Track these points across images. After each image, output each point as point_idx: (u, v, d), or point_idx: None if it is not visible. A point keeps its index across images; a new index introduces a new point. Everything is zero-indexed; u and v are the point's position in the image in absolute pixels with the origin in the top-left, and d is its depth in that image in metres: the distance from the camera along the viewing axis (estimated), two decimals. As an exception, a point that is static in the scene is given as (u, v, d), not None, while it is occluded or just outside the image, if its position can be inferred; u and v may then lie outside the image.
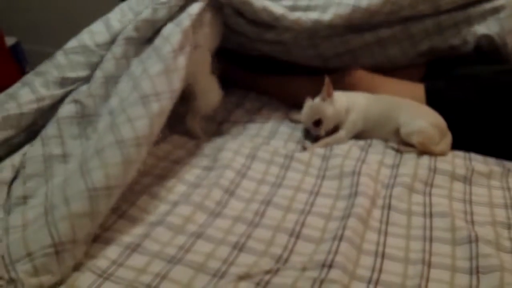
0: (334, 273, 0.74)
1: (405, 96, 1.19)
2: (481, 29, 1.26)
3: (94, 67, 1.05)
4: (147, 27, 1.04)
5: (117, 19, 1.11)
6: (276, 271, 0.77)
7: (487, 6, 1.26)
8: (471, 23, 1.27)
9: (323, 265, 0.76)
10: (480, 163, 1.08)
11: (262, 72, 1.46)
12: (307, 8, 1.21)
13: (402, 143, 1.12)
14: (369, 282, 0.76)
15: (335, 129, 1.19)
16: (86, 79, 1.05)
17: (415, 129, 1.10)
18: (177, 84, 0.99)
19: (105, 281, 0.76)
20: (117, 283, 0.76)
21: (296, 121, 1.27)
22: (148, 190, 0.98)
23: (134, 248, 0.82)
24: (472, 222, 0.90)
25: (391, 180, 1.01)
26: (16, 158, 0.98)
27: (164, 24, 1.04)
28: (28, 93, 1.03)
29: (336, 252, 0.78)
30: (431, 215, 0.91)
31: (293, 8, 1.21)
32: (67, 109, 1.01)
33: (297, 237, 0.86)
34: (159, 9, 1.04)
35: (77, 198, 0.81)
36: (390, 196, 0.96)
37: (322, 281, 0.73)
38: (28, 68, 2.25)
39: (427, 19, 1.28)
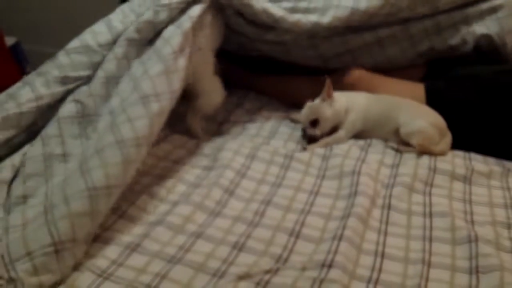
0: (334, 273, 0.74)
1: (405, 96, 1.19)
2: (480, 29, 1.26)
3: (96, 67, 1.06)
4: (149, 28, 1.05)
5: (119, 20, 1.11)
6: (276, 271, 0.77)
7: (485, 6, 1.27)
8: (470, 22, 1.27)
9: (323, 265, 0.76)
10: (480, 163, 1.08)
11: (262, 72, 1.46)
12: (306, 11, 1.22)
13: (402, 143, 1.12)
14: (369, 281, 0.76)
15: (334, 130, 1.19)
16: (88, 79, 1.05)
17: (415, 129, 1.10)
18: (177, 85, 0.99)
19: (104, 281, 0.76)
20: (117, 283, 0.76)
21: (295, 121, 1.27)
22: (148, 190, 0.98)
23: (134, 248, 0.82)
24: (472, 222, 0.90)
25: (391, 180, 1.01)
26: (16, 158, 0.98)
27: (165, 26, 1.05)
28: (28, 93, 1.03)
29: (336, 252, 0.78)
30: (431, 214, 0.91)
31: (293, 10, 1.21)
32: (67, 108, 1.01)
33: (297, 236, 0.86)
34: (160, 11, 1.04)
35: (77, 198, 0.81)
36: (390, 195, 0.96)
37: (322, 281, 0.73)
38: (28, 68, 2.25)
39: (426, 19, 1.28)
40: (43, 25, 2.39)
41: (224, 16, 1.21)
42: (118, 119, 0.91)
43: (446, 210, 0.91)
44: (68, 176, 0.86)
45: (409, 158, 1.08)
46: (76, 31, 1.12)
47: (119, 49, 1.04)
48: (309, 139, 1.18)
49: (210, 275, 0.77)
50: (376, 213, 0.92)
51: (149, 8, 1.07)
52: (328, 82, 1.14)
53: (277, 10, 1.18)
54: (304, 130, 1.21)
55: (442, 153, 1.09)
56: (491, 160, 1.09)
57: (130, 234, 0.86)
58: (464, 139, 1.13)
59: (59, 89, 1.04)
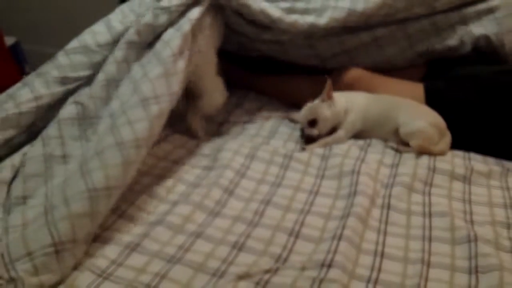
0: (334, 273, 0.74)
1: (405, 96, 1.19)
2: (478, 29, 1.26)
3: (95, 67, 1.06)
4: (148, 31, 1.05)
5: (118, 20, 1.11)
6: (276, 271, 0.77)
7: (482, 6, 1.27)
8: (467, 23, 1.28)
9: (323, 265, 0.76)
10: (479, 162, 1.08)
11: (262, 73, 1.46)
12: (304, 11, 1.23)
13: (402, 143, 1.12)
14: (368, 281, 0.76)
15: (333, 130, 1.19)
16: (87, 79, 1.06)
17: (415, 129, 1.10)
18: (176, 87, 1.00)
19: (104, 280, 0.76)
20: (116, 282, 0.76)
21: (295, 121, 1.27)
22: (147, 190, 0.98)
23: (133, 247, 0.82)
24: (472, 222, 0.90)
25: (390, 180, 1.01)
26: (16, 158, 0.98)
27: (164, 29, 1.05)
28: (27, 93, 1.03)
29: (335, 252, 0.78)
30: (430, 214, 0.91)
31: (290, 11, 1.22)
32: (68, 110, 1.02)
33: (297, 236, 0.86)
34: (159, 15, 1.05)
35: (77, 199, 0.81)
36: (390, 195, 0.96)
37: (321, 281, 0.73)
38: (27, 68, 2.25)
39: (423, 19, 1.28)
40: (43, 25, 2.39)
41: (224, 16, 1.22)
42: (118, 121, 0.91)
43: (446, 210, 0.91)
44: (68, 177, 0.86)
45: (409, 158, 1.08)
46: (76, 31, 1.13)
47: (119, 52, 1.05)
48: (307, 139, 1.18)
49: (209, 275, 0.77)
50: (376, 212, 0.92)
51: (149, 9, 1.07)
52: (329, 83, 1.14)
53: (274, 11, 1.18)
54: (302, 130, 1.21)
55: (442, 153, 1.09)
56: (491, 160, 1.09)
57: (130, 234, 0.86)
58: (464, 139, 1.13)
59: (58, 89, 1.04)
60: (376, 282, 0.76)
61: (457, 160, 1.08)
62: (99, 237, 0.85)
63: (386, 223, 0.90)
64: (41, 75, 1.06)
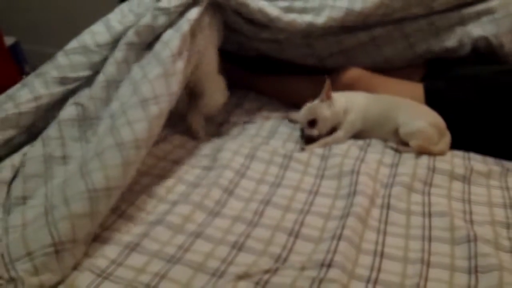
0: (333, 273, 0.74)
1: (405, 96, 1.19)
2: (477, 31, 1.26)
3: (95, 67, 1.06)
4: (148, 32, 1.05)
5: (117, 20, 1.11)
6: (275, 271, 0.77)
7: (480, 7, 1.27)
8: (465, 24, 1.28)
9: (322, 265, 0.76)
10: (479, 162, 1.08)
11: (262, 73, 1.46)
12: (302, 11, 1.23)
13: (401, 142, 1.12)
14: (368, 281, 0.76)
15: (333, 130, 1.19)
16: (87, 79, 1.06)
17: (414, 129, 1.10)
18: (175, 88, 1.00)
19: (104, 280, 0.76)
20: (116, 282, 0.76)
21: (295, 121, 1.27)
22: (147, 190, 0.98)
23: (133, 247, 0.82)
24: (471, 222, 0.90)
25: (390, 180, 1.01)
26: (16, 158, 0.98)
27: (164, 30, 1.05)
28: (27, 93, 1.03)
29: (335, 252, 0.78)
30: (430, 214, 0.91)
31: (288, 10, 1.22)
32: (68, 111, 1.02)
33: (296, 236, 0.86)
34: (159, 16, 1.05)
35: (77, 199, 0.81)
36: (389, 195, 0.96)
37: (321, 281, 0.73)
38: (27, 68, 2.25)
39: (421, 19, 1.28)
40: (43, 25, 2.39)
41: (223, 15, 1.22)
42: (118, 122, 0.91)
43: (445, 209, 0.91)
44: (68, 178, 0.86)
45: (408, 158, 1.08)
46: (76, 31, 1.13)
47: (119, 53, 1.05)
48: (307, 139, 1.18)
49: (209, 274, 0.77)
50: (375, 212, 0.92)
51: (148, 10, 1.07)
52: (328, 83, 1.14)
53: (272, 10, 1.18)
54: (302, 130, 1.21)
55: (441, 153, 1.09)
56: (490, 160, 1.10)
57: (130, 234, 0.86)
58: (463, 139, 1.13)
59: (58, 89, 1.04)
60: (375, 282, 0.76)
61: (457, 160, 1.08)
62: (99, 237, 0.85)
63: (386, 223, 0.90)
64: (40, 75, 1.06)
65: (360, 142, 1.15)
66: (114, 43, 1.07)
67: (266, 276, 0.76)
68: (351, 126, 1.18)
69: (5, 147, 1.01)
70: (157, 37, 1.05)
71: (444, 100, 1.18)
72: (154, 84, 0.96)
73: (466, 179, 1.02)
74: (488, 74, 1.22)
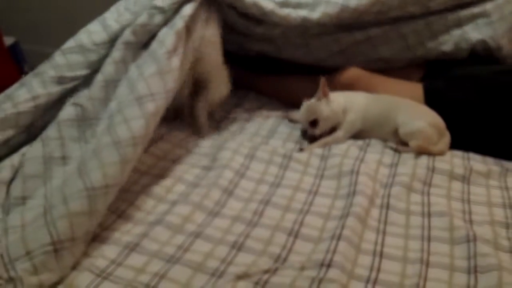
0: (333, 273, 0.74)
1: (404, 96, 1.19)
2: (475, 35, 1.26)
3: (92, 66, 1.06)
4: (144, 31, 1.06)
5: (114, 18, 1.12)
6: (275, 271, 0.77)
7: (476, 9, 1.27)
8: (462, 25, 1.27)
9: (322, 265, 0.76)
10: (478, 162, 1.08)
11: (262, 72, 1.46)
12: (297, 5, 1.23)
13: (401, 142, 1.12)
14: (368, 281, 0.76)
15: (333, 130, 1.19)
16: (84, 78, 1.06)
17: (414, 129, 1.10)
18: (171, 85, 1.00)
19: (103, 280, 0.76)
20: (115, 282, 0.76)
21: (294, 121, 1.28)
22: (147, 190, 0.98)
23: (132, 247, 0.82)
24: (471, 222, 0.90)
25: (389, 180, 1.01)
26: (15, 158, 0.98)
27: (160, 28, 1.05)
28: (25, 93, 1.03)
29: (334, 252, 0.78)
30: (429, 214, 0.91)
31: (284, 4, 1.22)
32: (67, 111, 1.02)
33: (296, 236, 0.86)
34: (155, 14, 1.05)
35: (76, 198, 0.81)
36: (389, 195, 0.96)
37: (320, 281, 0.73)
38: (26, 68, 2.24)
39: (417, 19, 1.28)
40: (42, 25, 2.39)
41: (219, 9, 1.22)
42: (115, 120, 0.92)
43: (445, 209, 0.91)
44: (67, 178, 0.86)
45: (408, 158, 1.08)
46: (75, 31, 1.12)
47: (116, 53, 1.05)
48: (311, 139, 1.18)
49: (209, 274, 0.77)
50: (375, 212, 0.92)
51: (144, 8, 1.07)
52: (322, 81, 1.14)
53: (267, 3, 1.19)
54: (304, 131, 1.21)
55: (441, 153, 1.09)
56: (490, 160, 1.10)
57: (129, 234, 0.86)
58: (463, 139, 1.13)
59: (55, 89, 1.04)
60: (375, 282, 0.76)
61: (456, 160, 1.08)
62: (98, 237, 0.85)
63: (385, 223, 0.90)
64: (38, 75, 1.06)
65: (360, 142, 1.15)
66: (111, 42, 1.07)
67: (265, 276, 0.76)
68: (351, 126, 1.18)
69: (5, 147, 1.01)
70: (153, 36, 1.05)
71: (444, 100, 1.18)
72: (150, 81, 0.97)
73: (465, 179, 1.02)
74: (488, 74, 1.22)
